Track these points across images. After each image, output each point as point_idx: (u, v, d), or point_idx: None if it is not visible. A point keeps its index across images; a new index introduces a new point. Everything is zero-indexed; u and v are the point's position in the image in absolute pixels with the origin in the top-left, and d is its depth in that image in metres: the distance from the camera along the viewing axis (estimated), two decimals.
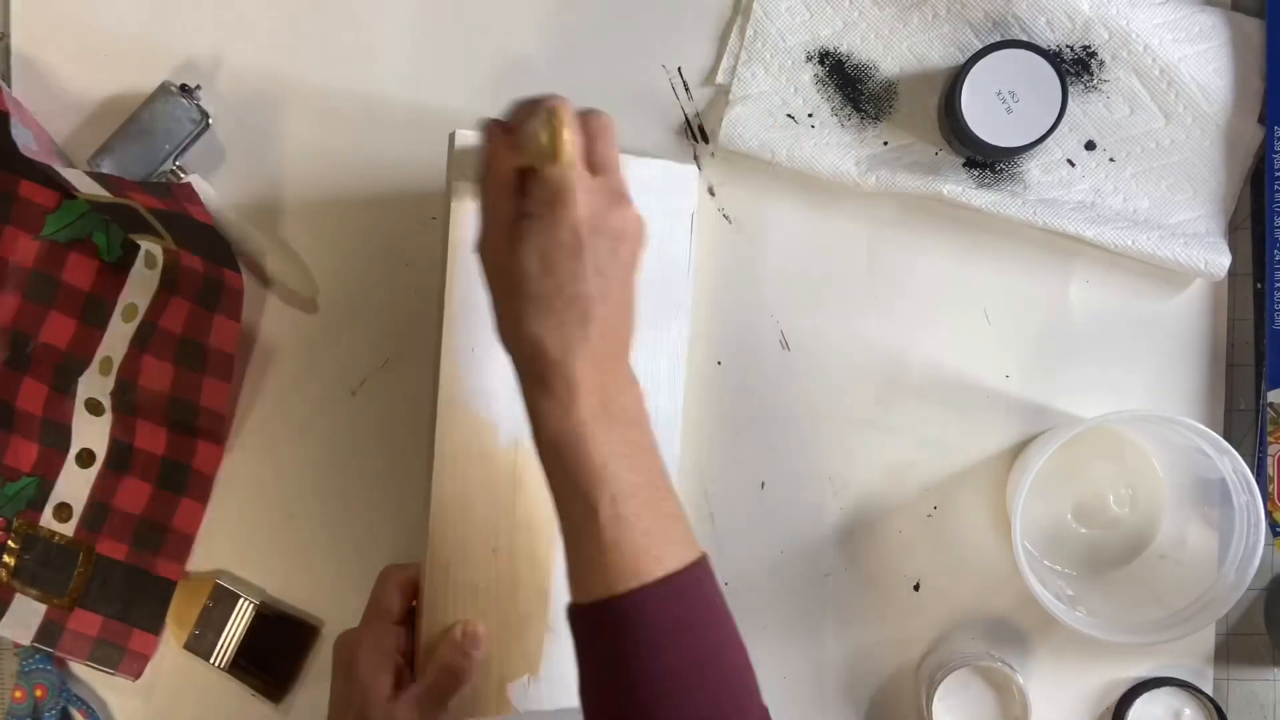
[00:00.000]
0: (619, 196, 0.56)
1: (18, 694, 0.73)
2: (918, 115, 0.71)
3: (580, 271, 0.53)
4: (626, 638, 0.51)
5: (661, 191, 0.68)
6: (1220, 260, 0.69)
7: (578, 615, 0.54)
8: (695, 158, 0.72)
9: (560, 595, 0.62)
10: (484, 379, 0.65)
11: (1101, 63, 0.69)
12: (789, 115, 0.71)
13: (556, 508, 0.54)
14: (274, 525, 0.74)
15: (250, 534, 0.74)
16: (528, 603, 0.65)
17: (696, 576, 0.53)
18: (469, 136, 0.62)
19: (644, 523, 0.52)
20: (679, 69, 0.72)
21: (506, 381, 0.57)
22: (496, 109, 0.72)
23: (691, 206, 0.69)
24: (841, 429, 0.72)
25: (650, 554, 0.52)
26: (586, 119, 0.56)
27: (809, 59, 0.71)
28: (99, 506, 0.73)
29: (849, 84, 0.71)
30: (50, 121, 0.72)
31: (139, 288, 0.72)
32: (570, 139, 0.54)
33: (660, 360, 0.69)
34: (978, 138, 0.66)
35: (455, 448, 0.64)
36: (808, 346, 0.72)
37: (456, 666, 0.62)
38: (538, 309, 0.53)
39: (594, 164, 0.55)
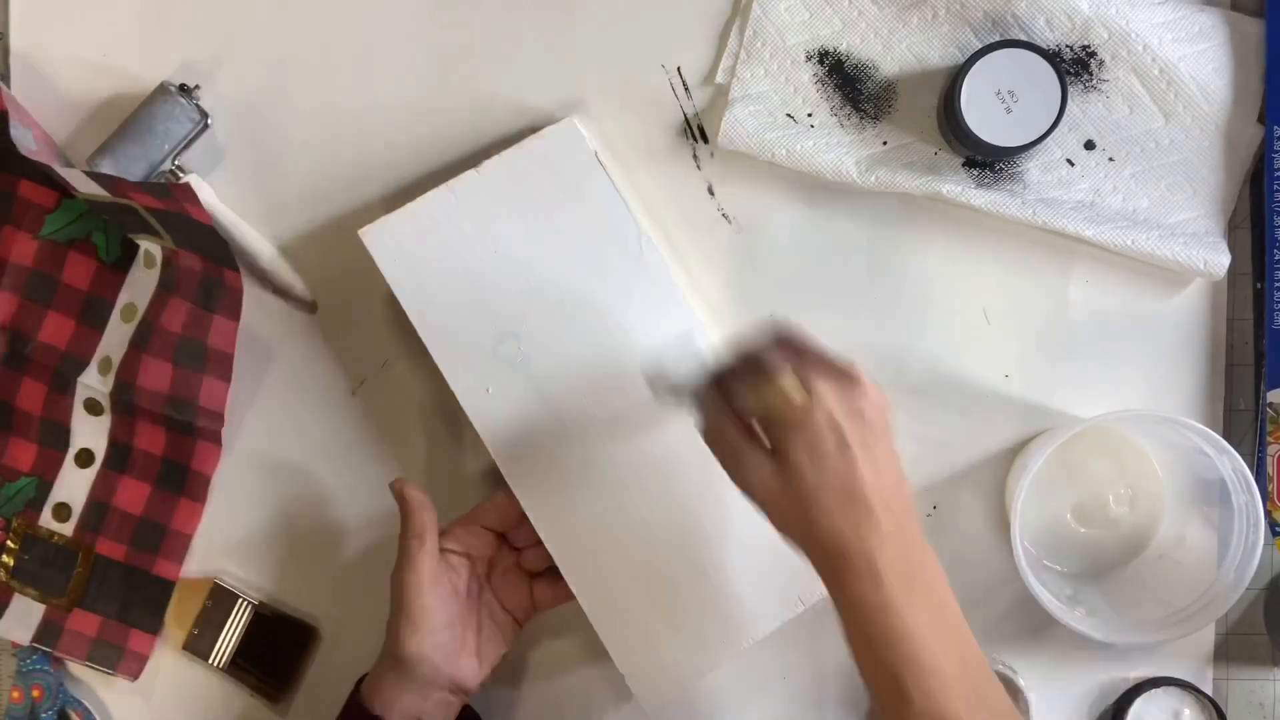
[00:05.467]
0: (845, 377, 0.57)
1: (15, 694, 0.73)
2: (917, 115, 0.71)
3: (849, 459, 0.55)
4: None
5: (557, 158, 0.68)
6: (1220, 260, 0.69)
7: None
8: (694, 157, 0.72)
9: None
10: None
11: (1101, 62, 0.69)
12: (788, 115, 0.71)
13: (872, 692, 0.56)
14: (273, 525, 0.73)
15: (249, 534, 0.74)
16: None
17: None
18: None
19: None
20: (678, 69, 0.72)
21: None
22: (495, 108, 0.72)
23: (590, 149, 0.69)
24: None
25: None
26: (783, 340, 0.58)
27: (808, 59, 0.71)
28: (98, 506, 0.73)
29: (848, 84, 0.71)
30: (49, 121, 0.72)
31: (138, 287, 0.72)
32: (795, 388, 0.56)
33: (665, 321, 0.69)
34: (977, 137, 0.66)
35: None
36: None
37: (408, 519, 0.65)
38: (821, 505, 0.55)
39: (810, 371, 0.57)
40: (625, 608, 0.68)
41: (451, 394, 0.68)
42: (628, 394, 0.68)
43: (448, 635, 0.64)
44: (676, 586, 0.68)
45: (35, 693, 0.72)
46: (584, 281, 0.69)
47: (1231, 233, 0.71)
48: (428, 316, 0.68)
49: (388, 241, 0.68)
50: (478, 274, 0.68)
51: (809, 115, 0.71)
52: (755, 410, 0.57)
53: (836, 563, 0.55)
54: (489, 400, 0.68)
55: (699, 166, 0.72)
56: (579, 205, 0.69)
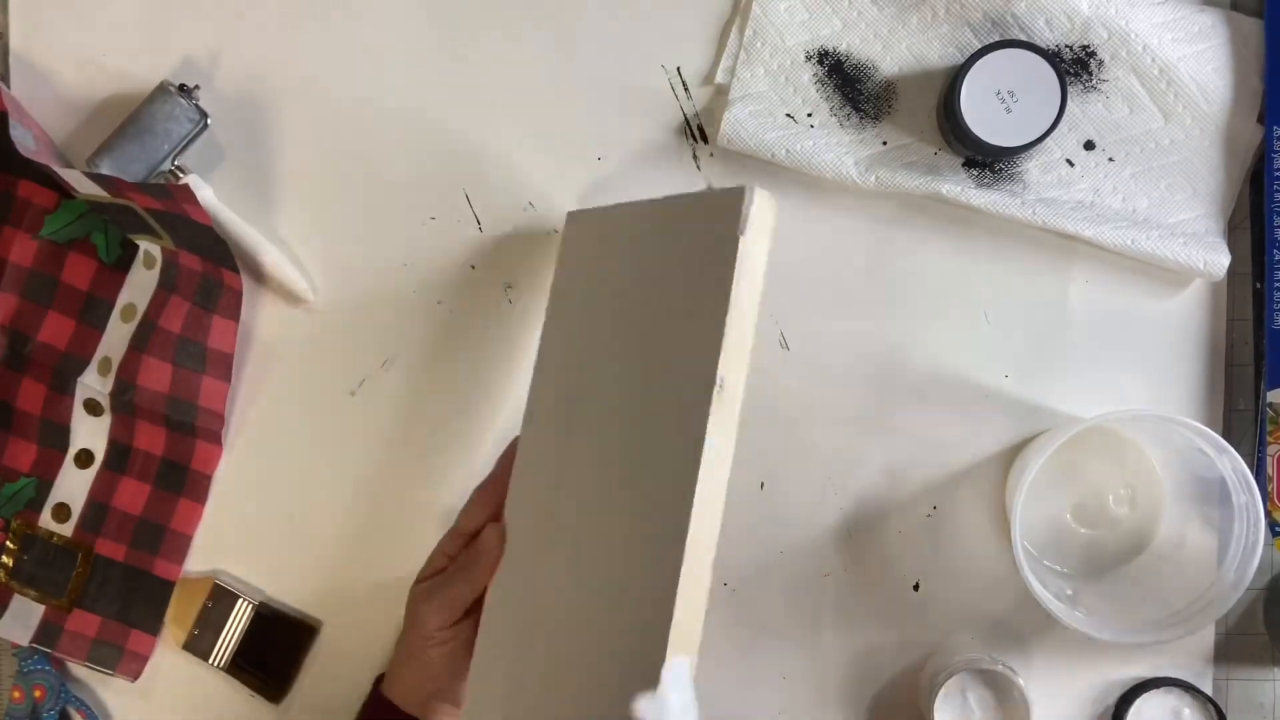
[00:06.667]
0: None
1: (16, 695, 0.73)
2: (917, 115, 0.71)
3: None
4: None
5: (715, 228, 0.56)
6: (1219, 260, 0.69)
7: None
8: (694, 157, 0.72)
9: None
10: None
11: (1100, 62, 0.69)
12: (788, 115, 0.71)
13: None
14: (273, 525, 0.73)
15: (249, 534, 0.74)
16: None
17: None
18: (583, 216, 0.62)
19: None
20: (678, 69, 0.72)
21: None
22: (495, 107, 0.72)
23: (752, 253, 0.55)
24: (841, 429, 0.72)
25: None
26: None
27: (808, 59, 0.71)
28: (97, 507, 0.73)
29: (848, 84, 0.71)
30: (49, 121, 0.72)
31: (138, 288, 0.72)
32: None
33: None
34: (977, 137, 0.66)
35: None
36: (808, 346, 0.72)
37: (476, 562, 0.62)
38: None
39: None
40: (504, 647, 0.61)
41: (451, 393, 0.68)
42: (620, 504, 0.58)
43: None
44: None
45: (37, 693, 0.72)
46: (645, 392, 0.58)
47: (1231, 233, 0.71)
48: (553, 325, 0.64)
49: (580, 234, 0.64)
50: (597, 306, 0.61)
51: (809, 115, 0.71)
52: None
53: None
54: (534, 424, 0.64)
55: (699, 167, 0.72)
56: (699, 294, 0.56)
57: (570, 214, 0.66)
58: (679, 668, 0.51)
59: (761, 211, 0.55)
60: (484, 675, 0.61)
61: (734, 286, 0.53)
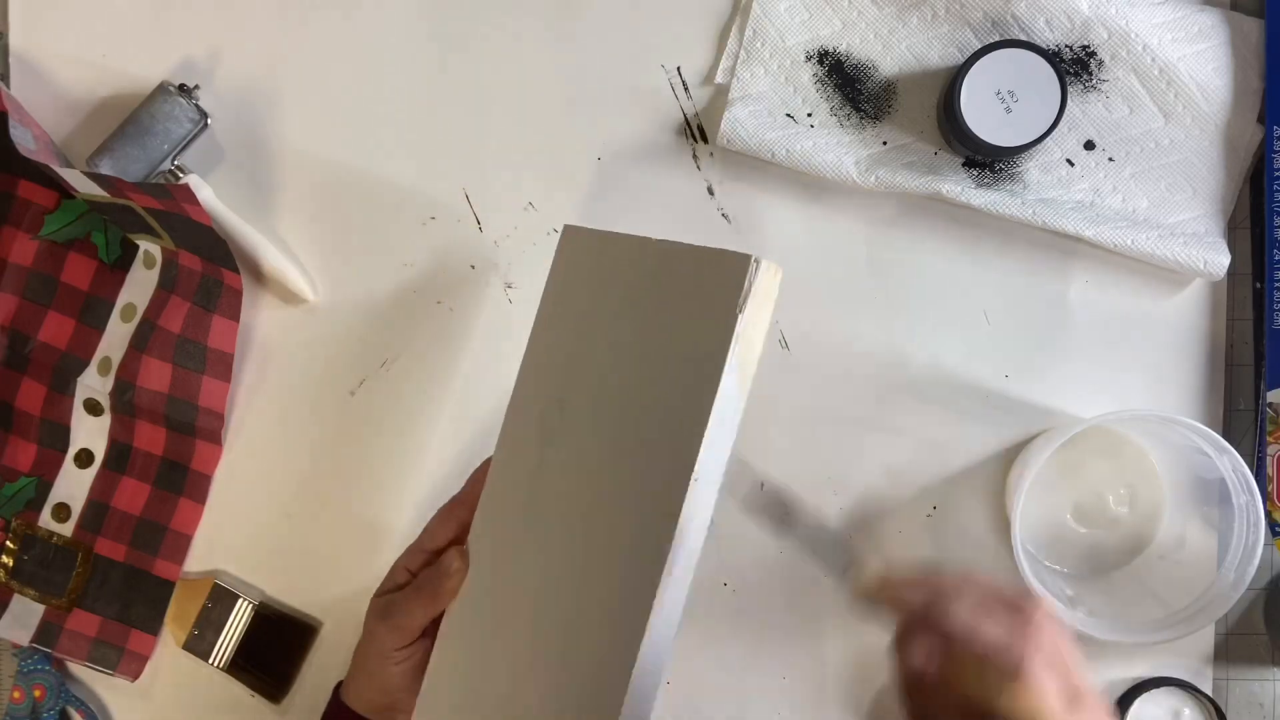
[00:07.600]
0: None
1: (16, 694, 0.73)
2: (917, 115, 0.71)
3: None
4: None
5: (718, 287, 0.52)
6: (1219, 260, 0.69)
7: None
8: (694, 157, 0.72)
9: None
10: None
11: (1101, 62, 0.69)
12: (788, 115, 0.71)
13: None
14: (273, 525, 0.73)
15: (249, 534, 0.74)
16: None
17: None
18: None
19: None
20: (678, 69, 0.72)
21: None
22: (495, 107, 0.72)
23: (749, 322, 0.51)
24: (841, 429, 0.72)
25: None
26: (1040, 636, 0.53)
27: (808, 59, 0.71)
28: (97, 507, 0.73)
29: (848, 84, 0.71)
30: (49, 121, 0.72)
31: (138, 288, 0.72)
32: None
33: None
34: (977, 137, 0.66)
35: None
36: (808, 346, 0.72)
37: (435, 585, 0.60)
38: None
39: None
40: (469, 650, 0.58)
41: (451, 393, 0.68)
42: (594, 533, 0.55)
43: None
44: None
45: (37, 693, 0.72)
46: (641, 407, 0.54)
47: (1231, 233, 0.71)
48: (538, 339, 0.59)
49: (576, 249, 0.59)
50: (584, 341, 0.57)
51: (809, 115, 0.71)
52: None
53: None
54: (507, 452, 0.59)
55: (699, 166, 0.72)
56: (693, 338, 0.53)
57: (567, 228, 0.59)
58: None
59: (765, 284, 0.51)
60: (433, 699, 0.59)
61: (724, 371, 0.50)
